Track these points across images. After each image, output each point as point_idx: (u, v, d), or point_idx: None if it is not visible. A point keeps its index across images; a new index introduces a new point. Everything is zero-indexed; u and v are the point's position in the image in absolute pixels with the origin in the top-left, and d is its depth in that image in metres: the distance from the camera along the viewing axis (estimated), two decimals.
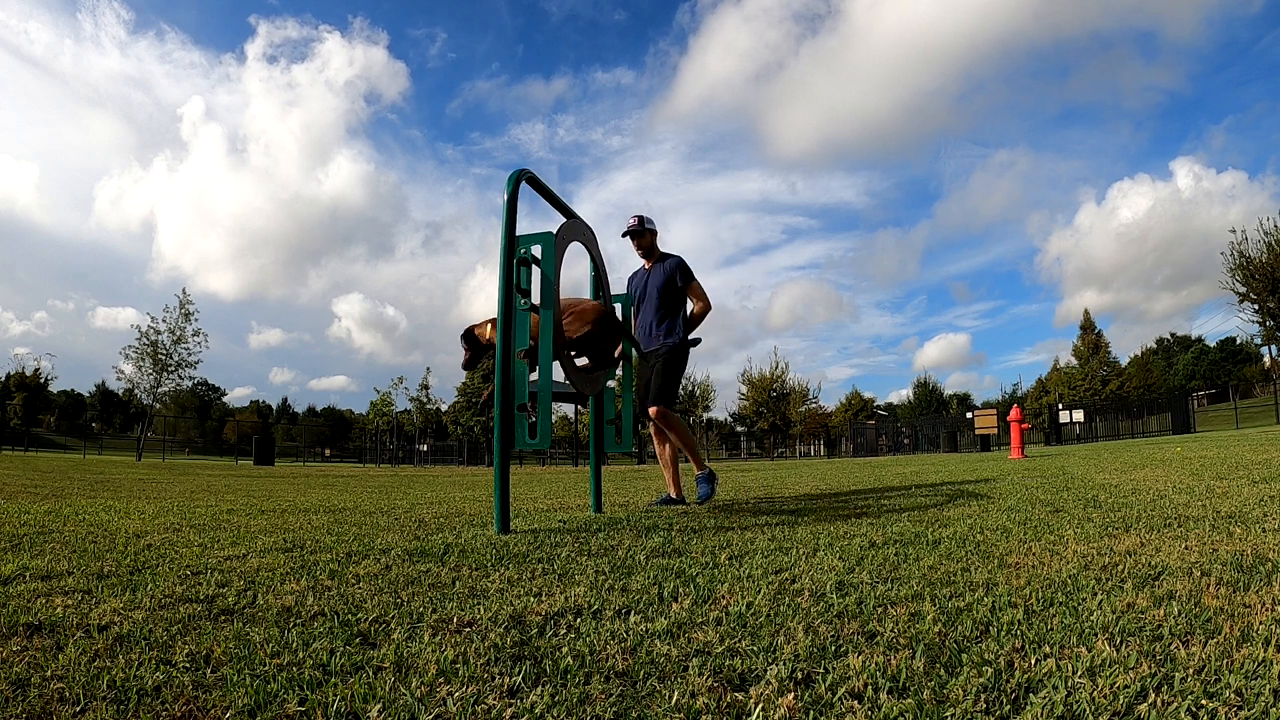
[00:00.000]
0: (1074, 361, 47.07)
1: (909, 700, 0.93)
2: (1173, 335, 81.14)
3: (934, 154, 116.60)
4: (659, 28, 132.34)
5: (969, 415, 31.20)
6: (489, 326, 3.60)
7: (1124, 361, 49.42)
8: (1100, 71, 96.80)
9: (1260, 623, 1.20)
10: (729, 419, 49.68)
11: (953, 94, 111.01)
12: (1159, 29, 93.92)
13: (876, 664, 1.07)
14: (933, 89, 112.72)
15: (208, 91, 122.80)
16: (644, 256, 4.36)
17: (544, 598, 1.59)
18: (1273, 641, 1.10)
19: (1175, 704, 0.90)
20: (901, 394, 66.29)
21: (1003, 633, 1.23)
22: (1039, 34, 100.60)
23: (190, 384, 31.58)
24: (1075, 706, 0.90)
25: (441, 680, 1.04)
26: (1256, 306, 31.07)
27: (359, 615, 1.42)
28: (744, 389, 45.65)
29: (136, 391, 27.21)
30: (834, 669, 1.06)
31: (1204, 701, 0.90)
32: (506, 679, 1.04)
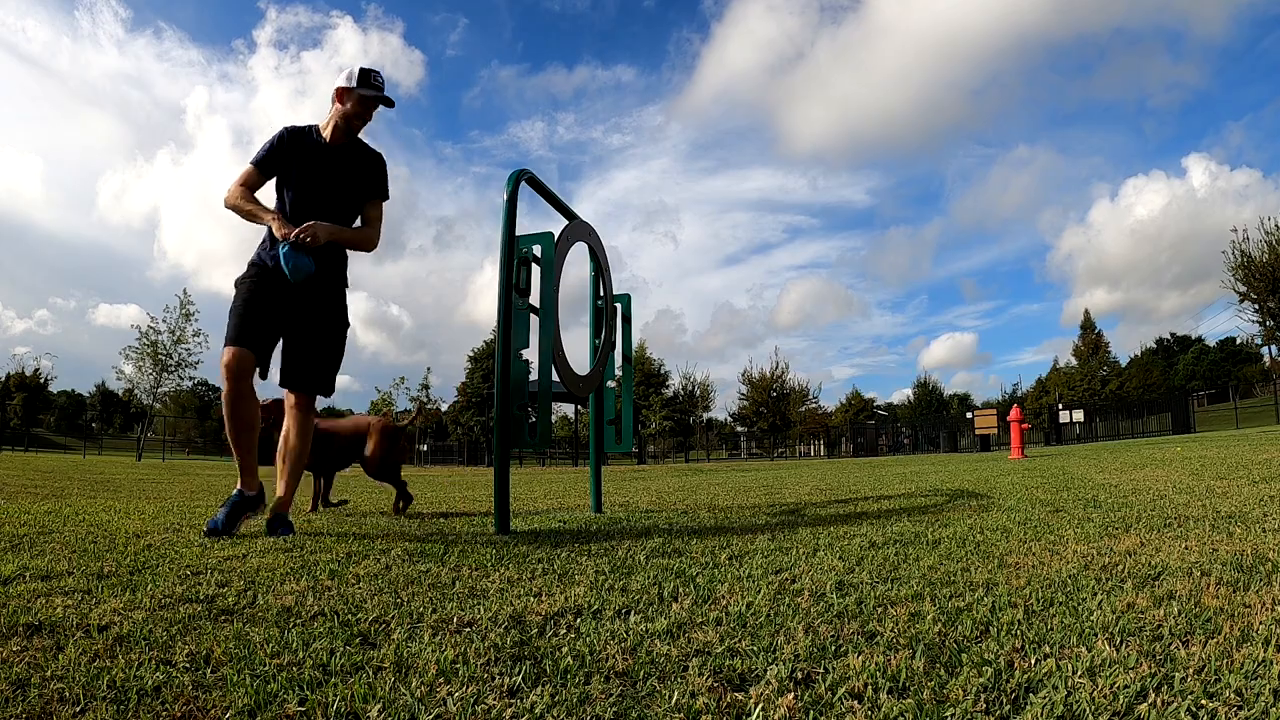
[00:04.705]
0: (1074, 361, 47.10)
1: (909, 700, 0.93)
2: (1173, 335, 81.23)
3: (940, 153, 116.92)
4: (683, 12, 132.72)
5: (969, 415, 31.19)
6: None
7: (1124, 361, 49.49)
8: (1123, 68, 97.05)
9: (1260, 623, 1.20)
10: (729, 419, 49.68)
11: (970, 89, 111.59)
12: (1186, 26, 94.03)
13: (876, 664, 1.07)
14: (950, 82, 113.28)
15: (209, 87, 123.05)
16: (347, 134, 2.96)
17: (544, 598, 1.59)
18: (1273, 641, 1.10)
19: (1175, 704, 0.90)
20: (904, 393, 66.25)
21: (1003, 633, 1.22)
22: (1059, 29, 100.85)
23: (190, 384, 31.59)
24: (1075, 706, 0.90)
25: (441, 680, 1.04)
26: (1257, 306, 31.05)
27: (359, 615, 1.42)
28: (744, 389, 45.67)
29: (136, 391, 27.23)
30: (834, 669, 1.06)
31: (1204, 701, 0.90)
32: (506, 679, 1.04)
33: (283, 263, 2.68)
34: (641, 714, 0.92)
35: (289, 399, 2.96)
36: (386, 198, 3.10)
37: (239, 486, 2.80)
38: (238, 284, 2.86)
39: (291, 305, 2.86)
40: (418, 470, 20.93)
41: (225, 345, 2.73)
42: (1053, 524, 2.62)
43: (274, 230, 2.74)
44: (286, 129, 2.93)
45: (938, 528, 2.65)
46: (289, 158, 2.90)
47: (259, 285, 2.82)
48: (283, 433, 2.98)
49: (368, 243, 3.02)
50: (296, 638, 1.25)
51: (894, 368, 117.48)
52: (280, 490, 2.93)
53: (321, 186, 2.91)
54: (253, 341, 2.74)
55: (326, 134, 2.95)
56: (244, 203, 2.84)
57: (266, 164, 2.88)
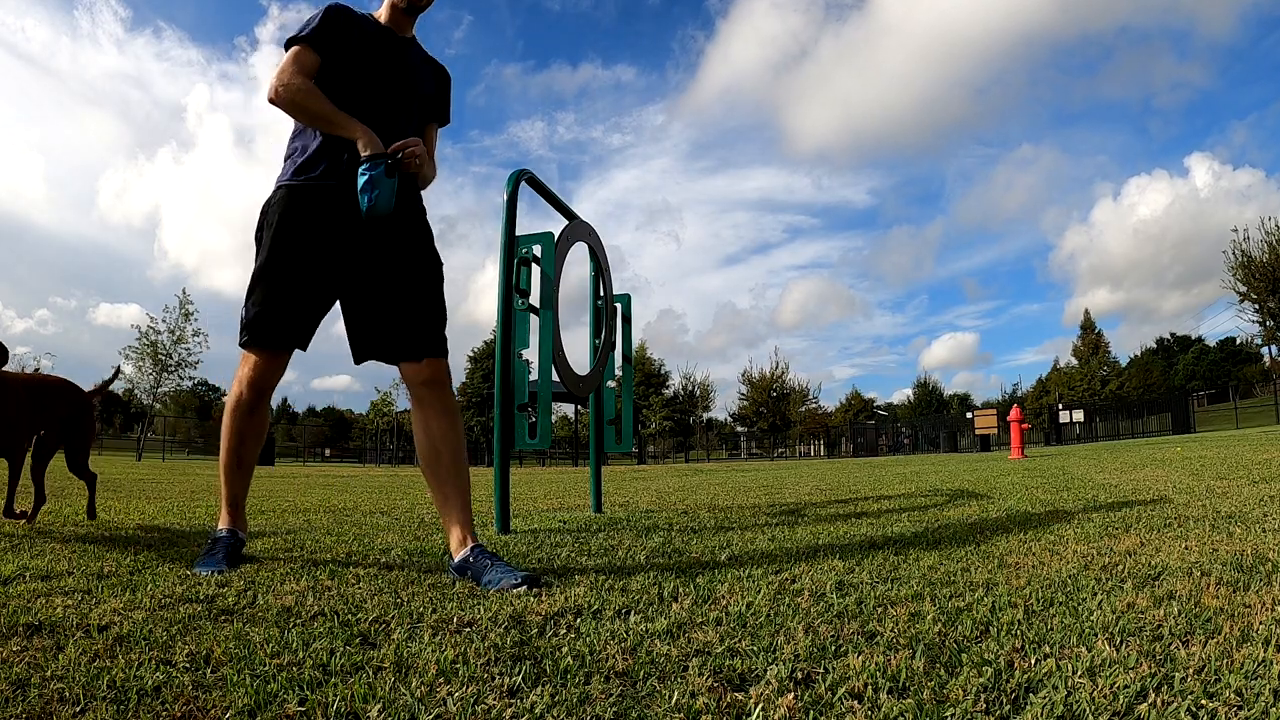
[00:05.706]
0: (1074, 361, 47.13)
1: (909, 700, 0.93)
2: (1173, 335, 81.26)
3: (943, 152, 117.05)
4: (689, 8, 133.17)
5: (969, 415, 31.21)
6: None
7: (1124, 361, 49.56)
8: (1129, 67, 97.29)
9: (1260, 623, 1.20)
10: (729, 419, 49.72)
11: (975, 87, 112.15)
12: (1191, 25, 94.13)
13: (876, 664, 1.07)
14: (954, 81, 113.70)
15: (210, 86, 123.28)
16: (409, 12, 2.16)
17: (544, 598, 1.59)
18: (1273, 641, 1.10)
19: (1175, 704, 0.90)
20: (904, 393, 66.26)
21: (1003, 633, 1.22)
22: (1064, 28, 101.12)
23: (190, 384, 31.61)
24: (1075, 706, 0.90)
25: (441, 680, 1.04)
26: (1257, 306, 31.07)
27: (359, 615, 1.42)
28: (744, 389, 45.70)
29: (136, 391, 27.22)
30: (834, 669, 1.06)
31: (1204, 701, 0.90)
32: (506, 679, 1.04)
33: (360, 191, 1.91)
34: (641, 714, 0.92)
35: (415, 373, 2.00)
36: (448, 122, 2.38)
37: (229, 524, 2.06)
38: (267, 220, 2.02)
39: (358, 250, 2.02)
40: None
41: (249, 341, 1.99)
42: (1053, 524, 2.62)
43: (360, 147, 1.92)
44: (336, 4, 2.06)
45: (938, 528, 2.66)
46: (346, 44, 2.03)
47: (305, 228, 1.98)
48: (427, 437, 2.00)
49: (429, 178, 2.23)
50: (296, 638, 1.25)
51: (894, 368, 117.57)
52: (461, 520, 1.95)
53: (392, 90, 2.08)
54: (290, 331, 2.00)
55: (384, 21, 2.14)
56: (314, 100, 1.94)
57: (323, 44, 2.00)
